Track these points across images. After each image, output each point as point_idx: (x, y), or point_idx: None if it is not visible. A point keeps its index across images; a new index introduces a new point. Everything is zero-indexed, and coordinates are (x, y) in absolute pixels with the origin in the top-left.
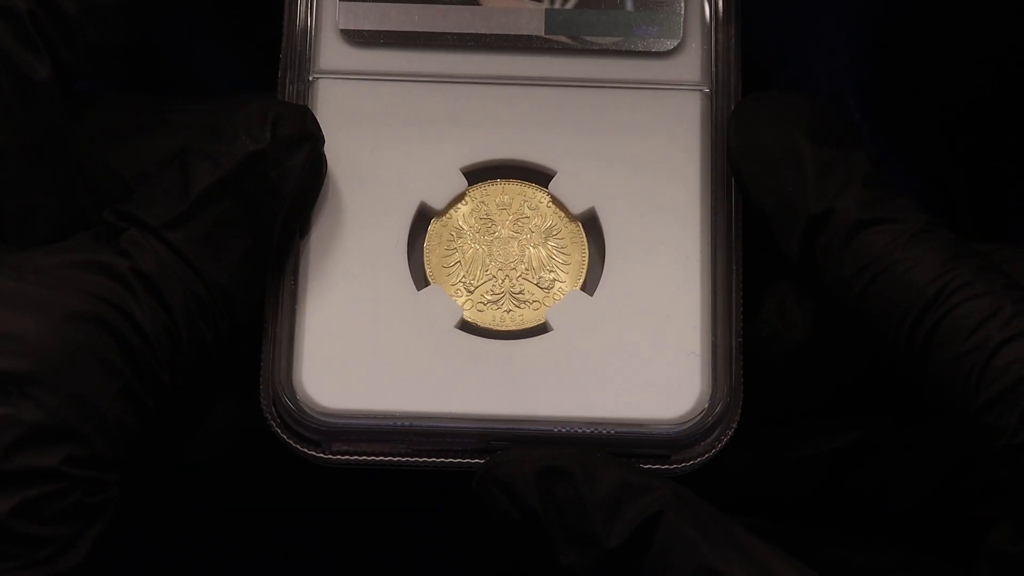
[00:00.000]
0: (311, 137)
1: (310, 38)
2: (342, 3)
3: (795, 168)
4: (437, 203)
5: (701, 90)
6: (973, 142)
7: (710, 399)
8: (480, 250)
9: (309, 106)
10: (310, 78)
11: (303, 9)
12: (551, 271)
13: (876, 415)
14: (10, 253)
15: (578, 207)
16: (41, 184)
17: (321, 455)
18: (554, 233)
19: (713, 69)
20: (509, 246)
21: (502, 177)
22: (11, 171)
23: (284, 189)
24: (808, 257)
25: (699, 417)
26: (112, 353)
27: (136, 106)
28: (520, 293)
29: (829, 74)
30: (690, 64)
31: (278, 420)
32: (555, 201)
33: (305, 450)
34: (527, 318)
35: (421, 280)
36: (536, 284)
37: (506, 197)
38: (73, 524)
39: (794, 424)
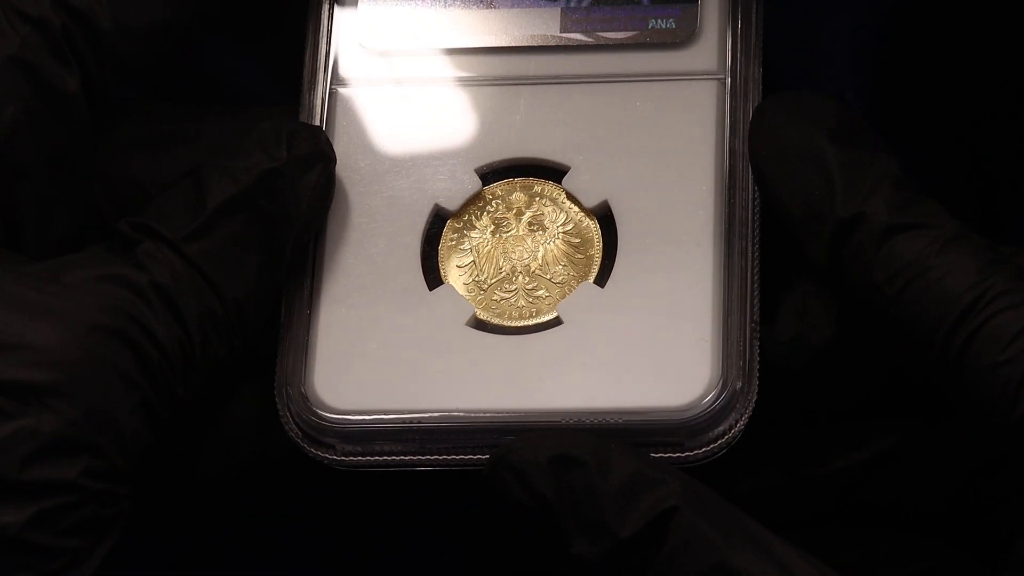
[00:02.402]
0: (324, 157)
1: (331, 49)
2: (362, 14)
3: (820, 171)
4: (452, 204)
5: (717, 78)
6: (977, 143)
7: (720, 384)
8: (494, 248)
9: (329, 116)
10: (331, 88)
11: (325, 21)
12: (565, 267)
13: (898, 422)
14: (29, 264)
15: (592, 201)
16: (61, 196)
17: (336, 457)
18: (568, 229)
19: (731, 57)
20: (523, 243)
21: (517, 175)
22: (33, 184)
23: (297, 207)
24: (835, 262)
25: (709, 402)
26: (131, 366)
27: (159, 115)
28: (533, 289)
29: (831, 75)
30: (706, 54)
31: (293, 424)
32: (569, 196)
33: (320, 453)
34: (539, 313)
35: (435, 280)
36: (549, 279)
37: (521, 195)
38: (87, 536)
39: (815, 437)
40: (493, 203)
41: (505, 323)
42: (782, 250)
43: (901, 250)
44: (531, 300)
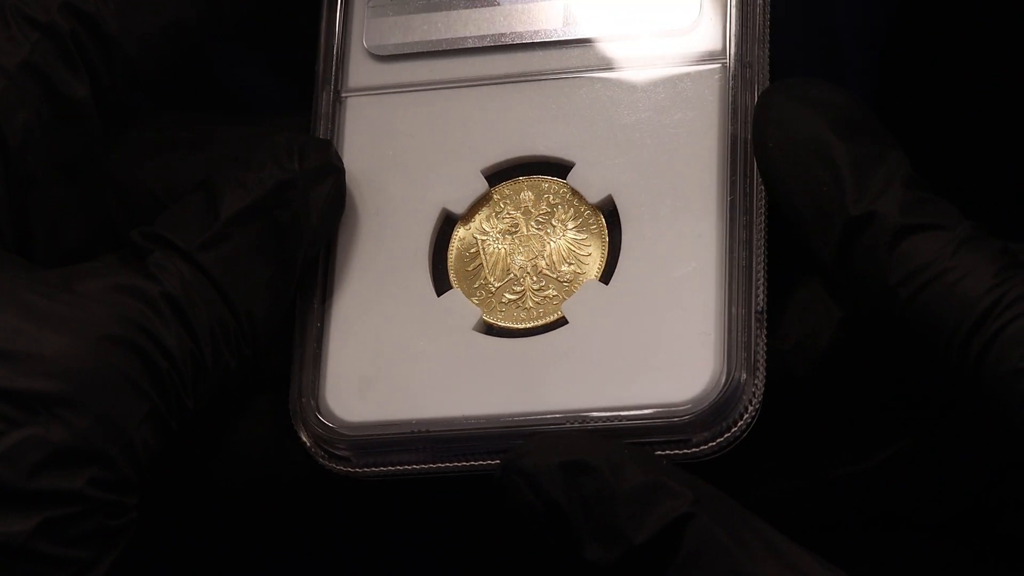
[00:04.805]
0: (335, 169)
1: (340, 57)
2: (369, 21)
3: (828, 167)
4: (459, 208)
5: (720, 63)
6: (979, 141)
7: (724, 377)
8: (502, 250)
9: (338, 122)
10: (341, 96)
11: (333, 29)
12: (571, 264)
13: (908, 426)
14: (41, 272)
15: (597, 196)
16: (72, 203)
17: (350, 469)
18: (574, 225)
19: (734, 40)
20: (530, 243)
21: (523, 174)
22: (43, 191)
23: (309, 219)
24: (843, 262)
25: (714, 397)
26: (141, 377)
27: (169, 122)
28: (540, 289)
29: (833, 71)
30: (708, 38)
31: (308, 437)
32: (574, 193)
33: (335, 466)
34: (546, 313)
35: (444, 286)
36: (556, 278)
37: (527, 194)
38: (93, 547)
39: (824, 443)
40: (500, 204)
41: (512, 326)
42: (786, 252)
43: (916, 251)
44: (538, 301)
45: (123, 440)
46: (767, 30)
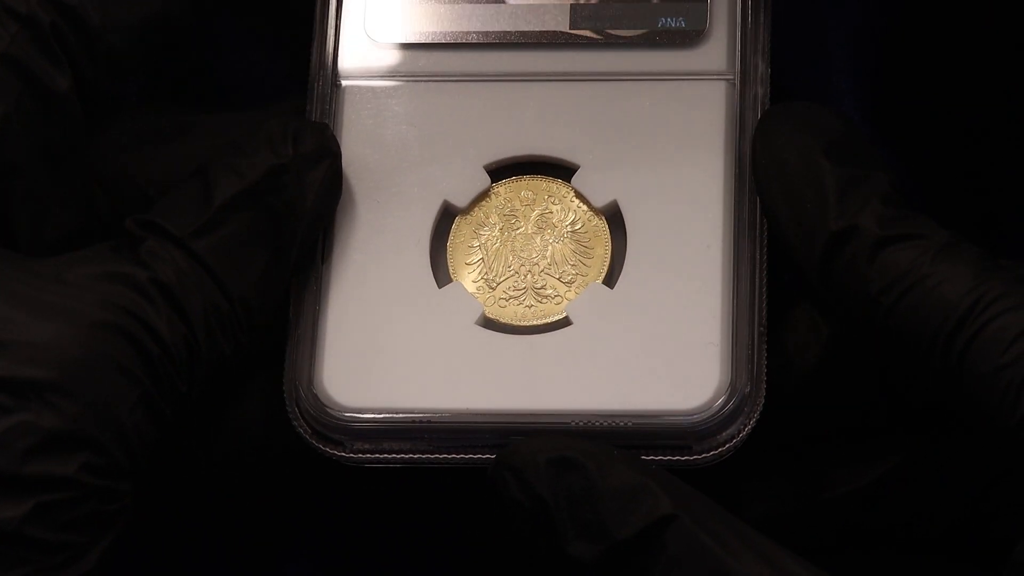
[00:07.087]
0: (330, 154)
1: (338, 43)
2: (369, 7)
3: (814, 187)
4: (461, 201)
5: (727, 79)
6: (973, 147)
7: (728, 389)
8: (503, 246)
9: (336, 109)
10: (339, 83)
11: (331, 15)
12: (574, 265)
13: (900, 441)
14: (31, 261)
15: (601, 200)
16: (56, 195)
17: (344, 454)
18: (577, 227)
19: (740, 57)
20: (532, 242)
21: (526, 173)
22: (26, 182)
23: (304, 204)
24: (827, 276)
25: (717, 407)
26: (132, 362)
27: (156, 114)
28: (542, 288)
29: (831, 77)
30: (716, 53)
31: (301, 420)
32: (579, 195)
33: (328, 450)
34: (548, 313)
35: (444, 278)
36: (558, 279)
37: (529, 193)
38: (87, 532)
39: (817, 462)
40: (502, 200)
41: (514, 322)
42: (779, 267)
43: (895, 260)
44: (540, 299)
45: (115, 426)
46: (769, 47)
